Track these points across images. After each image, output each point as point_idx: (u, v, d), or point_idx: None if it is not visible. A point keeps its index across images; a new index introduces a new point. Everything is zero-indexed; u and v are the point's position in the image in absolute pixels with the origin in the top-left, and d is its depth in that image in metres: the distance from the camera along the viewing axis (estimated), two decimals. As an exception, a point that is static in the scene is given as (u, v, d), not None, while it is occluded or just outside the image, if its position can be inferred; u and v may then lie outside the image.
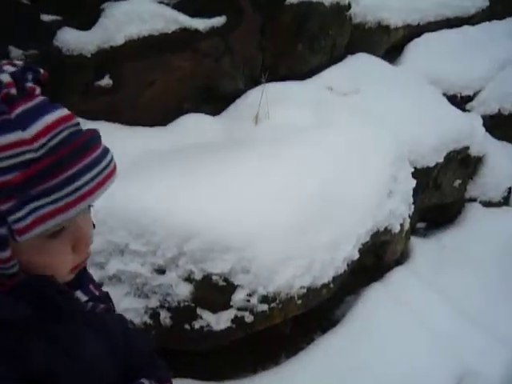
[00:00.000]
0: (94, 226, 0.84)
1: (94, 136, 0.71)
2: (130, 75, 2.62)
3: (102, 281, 1.87)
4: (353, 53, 3.55)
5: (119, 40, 2.54)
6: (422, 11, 4.13)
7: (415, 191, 2.88)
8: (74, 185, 0.66)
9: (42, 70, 0.70)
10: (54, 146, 0.65)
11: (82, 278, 0.80)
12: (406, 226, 2.82)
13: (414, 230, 3.35)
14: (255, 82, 2.97)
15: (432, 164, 3.15)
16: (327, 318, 2.53)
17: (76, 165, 0.66)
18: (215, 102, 2.94)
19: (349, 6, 3.34)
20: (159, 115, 2.75)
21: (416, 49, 4.03)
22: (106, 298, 0.93)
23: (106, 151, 0.72)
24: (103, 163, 0.70)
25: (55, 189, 0.65)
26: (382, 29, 3.76)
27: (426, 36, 4.13)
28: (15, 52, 2.34)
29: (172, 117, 2.80)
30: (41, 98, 0.68)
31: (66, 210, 0.66)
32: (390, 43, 3.93)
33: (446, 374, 2.34)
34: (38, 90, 0.68)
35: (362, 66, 3.50)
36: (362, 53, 3.59)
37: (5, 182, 0.63)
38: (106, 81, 2.57)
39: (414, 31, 4.09)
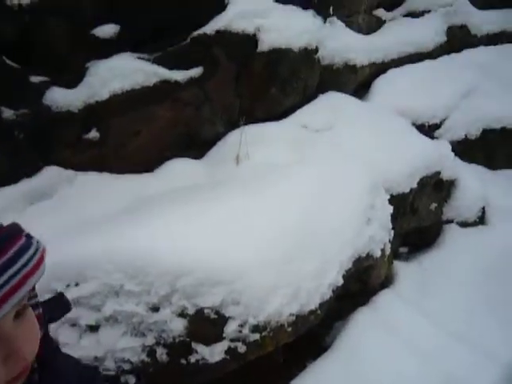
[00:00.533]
0: (50, 320, 0.75)
1: (8, 234, 0.62)
2: (116, 127, 2.78)
3: (98, 323, 1.96)
4: (323, 92, 3.78)
5: (104, 95, 2.72)
6: (385, 50, 4.44)
7: (393, 217, 3.03)
8: None
9: None
10: None
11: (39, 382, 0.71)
12: (387, 250, 2.95)
13: (397, 255, 3.49)
14: (234, 126, 3.15)
15: (407, 190, 3.31)
16: (318, 345, 2.61)
17: None
18: (197, 146, 3.11)
19: (316, 50, 3.59)
20: (145, 162, 2.90)
21: (383, 84, 4.29)
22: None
23: (26, 247, 0.63)
24: (20, 262, 0.61)
25: None
26: (349, 68, 4.02)
27: (391, 72, 4.41)
28: (7, 112, 2.50)
29: (158, 163, 2.95)
30: None
31: None
32: (357, 81, 4.19)
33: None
34: None
35: (333, 103, 3.72)
36: (332, 91, 3.83)
37: None
38: (94, 134, 2.73)
39: (379, 68, 4.37)
